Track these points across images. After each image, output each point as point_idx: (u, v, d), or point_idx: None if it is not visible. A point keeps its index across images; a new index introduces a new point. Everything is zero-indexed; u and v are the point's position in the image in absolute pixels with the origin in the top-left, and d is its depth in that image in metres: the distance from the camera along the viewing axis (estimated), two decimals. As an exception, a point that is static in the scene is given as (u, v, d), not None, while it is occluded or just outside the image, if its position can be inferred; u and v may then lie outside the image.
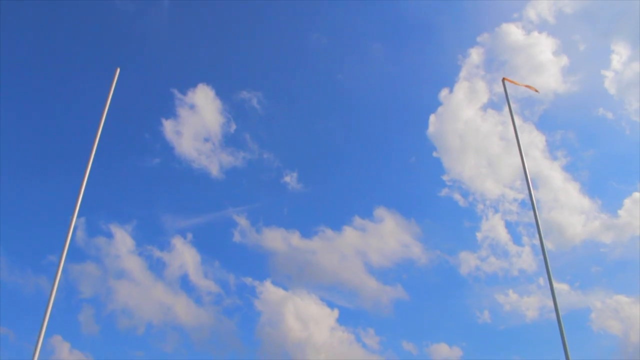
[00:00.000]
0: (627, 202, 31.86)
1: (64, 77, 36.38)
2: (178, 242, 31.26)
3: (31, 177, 32.80)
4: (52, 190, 32.34)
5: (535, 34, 37.19)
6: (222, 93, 36.02)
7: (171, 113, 35.19)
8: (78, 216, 12.32)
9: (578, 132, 35.78)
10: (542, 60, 36.61)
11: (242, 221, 32.74)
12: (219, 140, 35.09)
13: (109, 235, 30.32)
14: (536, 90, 16.78)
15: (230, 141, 35.26)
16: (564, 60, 36.36)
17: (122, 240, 30.38)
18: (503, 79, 15.42)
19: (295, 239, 32.44)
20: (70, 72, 37.06)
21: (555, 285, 11.55)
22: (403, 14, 40.93)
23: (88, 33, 37.85)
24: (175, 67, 39.52)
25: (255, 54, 40.71)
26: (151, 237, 32.01)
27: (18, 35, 35.04)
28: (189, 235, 31.49)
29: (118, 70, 14.73)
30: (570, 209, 33.33)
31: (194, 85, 36.61)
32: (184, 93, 35.34)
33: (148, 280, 29.76)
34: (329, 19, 41.48)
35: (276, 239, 32.34)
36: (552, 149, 35.10)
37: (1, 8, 32.26)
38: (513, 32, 37.15)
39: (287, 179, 34.73)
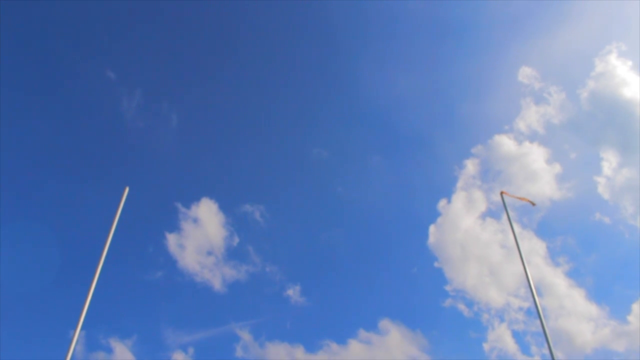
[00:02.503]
0: (635, 307, 31.08)
1: (74, 194, 37.38)
2: (179, 358, 30.20)
3: (32, 291, 32.37)
4: (50, 304, 31.82)
5: (527, 144, 38.83)
6: (225, 206, 36.77)
7: (175, 227, 35.65)
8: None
9: (578, 237, 35.99)
10: (536, 169, 37.93)
11: (245, 335, 31.87)
12: (222, 254, 35.23)
13: (109, 350, 29.37)
14: (533, 203, 17.15)
15: (233, 254, 35.41)
16: (557, 168, 37.60)
17: (122, 355, 29.37)
18: (501, 193, 15.91)
19: (299, 353, 31.34)
20: (81, 188, 38.07)
21: (570, 398, 11.15)
22: (400, 128, 42.97)
23: (99, 150, 39.49)
24: (181, 182, 40.66)
25: (257, 168, 42.14)
26: (152, 352, 30.90)
27: (29, 153, 36.59)
28: (191, 350, 30.48)
29: (127, 189, 15.23)
30: (578, 316, 32.53)
31: (197, 199, 37.40)
32: (187, 207, 36.07)
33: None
34: (329, 133, 43.46)
35: (280, 354, 31.25)
36: (553, 256, 35.05)
37: (15, 127, 34.08)
38: (505, 143, 38.80)
39: (290, 292, 34.31)
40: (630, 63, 37.51)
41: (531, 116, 39.61)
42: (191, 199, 38.17)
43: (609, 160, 37.07)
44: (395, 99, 43.31)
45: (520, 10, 42.75)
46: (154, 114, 40.52)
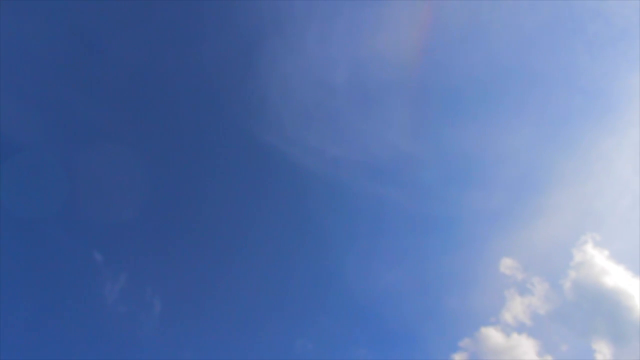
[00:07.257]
0: None
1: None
2: None
3: None
4: None
5: (515, 335, 37.94)
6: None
7: None
8: None
9: None
10: (528, 362, 36.06)
11: None
12: None
13: None
14: None
15: None
16: (550, 360, 35.84)
17: None
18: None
19: None
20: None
21: None
22: (387, 322, 42.33)
23: (76, 336, 38.59)
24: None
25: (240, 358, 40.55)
26: None
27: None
28: None
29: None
30: None
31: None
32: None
33: None
34: (315, 325, 42.66)
35: None
36: None
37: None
38: (493, 335, 37.88)
39: None
40: (606, 252, 38.72)
41: (516, 307, 39.34)
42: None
43: (602, 352, 35.99)
44: (382, 293, 43.57)
45: (500, 204, 45.37)
46: (136, 299, 40.59)
